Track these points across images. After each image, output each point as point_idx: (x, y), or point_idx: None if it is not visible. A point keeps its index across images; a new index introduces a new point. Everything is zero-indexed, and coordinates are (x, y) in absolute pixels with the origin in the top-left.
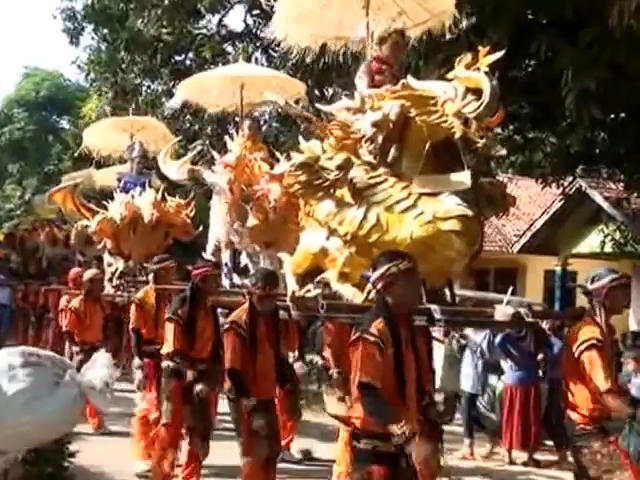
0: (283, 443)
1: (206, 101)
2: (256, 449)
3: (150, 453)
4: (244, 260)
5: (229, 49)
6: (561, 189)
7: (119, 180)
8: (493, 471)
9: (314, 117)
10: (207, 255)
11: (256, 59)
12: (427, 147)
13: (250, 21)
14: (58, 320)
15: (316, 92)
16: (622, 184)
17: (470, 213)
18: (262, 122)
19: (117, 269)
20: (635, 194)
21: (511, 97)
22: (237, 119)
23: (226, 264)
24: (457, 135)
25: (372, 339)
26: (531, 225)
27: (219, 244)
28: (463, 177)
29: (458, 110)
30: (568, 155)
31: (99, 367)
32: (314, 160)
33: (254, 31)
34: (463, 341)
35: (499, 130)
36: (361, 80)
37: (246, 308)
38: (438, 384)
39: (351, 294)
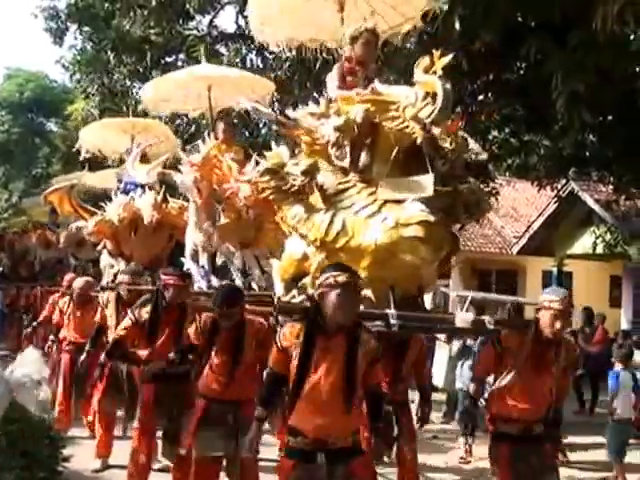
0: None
1: (171, 104)
2: (200, 445)
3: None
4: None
5: (222, 50)
6: (555, 192)
7: (119, 181)
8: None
9: (287, 121)
10: (186, 258)
11: (251, 60)
12: (395, 153)
13: (242, 22)
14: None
15: (314, 94)
16: (612, 186)
17: (432, 219)
18: (261, 126)
19: (119, 270)
20: (624, 196)
21: (505, 99)
22: (235, 121)
23: (203, 266)
24: (419, 140)
25: (276, 339)
26: (529, 227)
27: (196, 247)
28: (426, 181)
29: (415, 115)
30: (561, 158)
31: (28, 364)
32: (280, 166)
33: (247, 32)
34: (472, 342)
35: (496, 133)
36: (331, 81)
37: (212, 317)
38: (443, 384)
39: None
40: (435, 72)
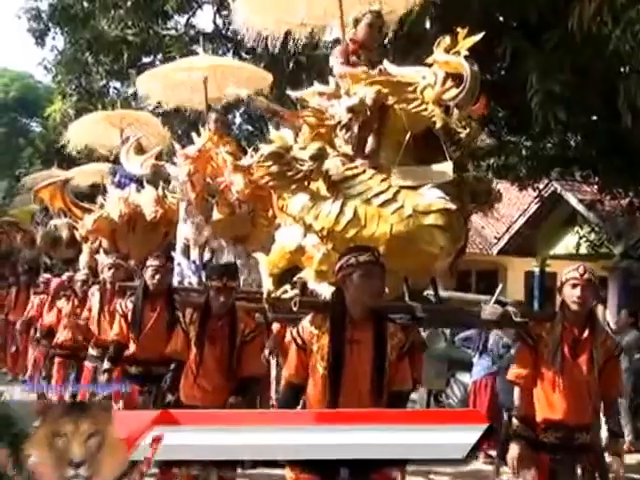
0: None
1: (168, 96)
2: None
3: None
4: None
5: (199, 50)
6: (537, 192)
7: (113, 174)
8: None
9: (282, 110)
10: (177, 253)
11: None
12: (407, 137)
13: (219, 22)
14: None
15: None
16: (596, 186)
17: (453, 207)
18: (234, 124)
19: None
20: (608, 196)
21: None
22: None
23: (194, 261)
24: (438, 124)
25: (294, 335)
26: (509, 227)
27: (187, 242)
28: (445, 168)
29: (438, 97)
30: (543, 158)
31: None
32: (286, 150)
33: (224, 32)
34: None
35: None
36: (336, 59)
37: (201, 305)
38: None
39: (329, 293)
40: (458, 52)
